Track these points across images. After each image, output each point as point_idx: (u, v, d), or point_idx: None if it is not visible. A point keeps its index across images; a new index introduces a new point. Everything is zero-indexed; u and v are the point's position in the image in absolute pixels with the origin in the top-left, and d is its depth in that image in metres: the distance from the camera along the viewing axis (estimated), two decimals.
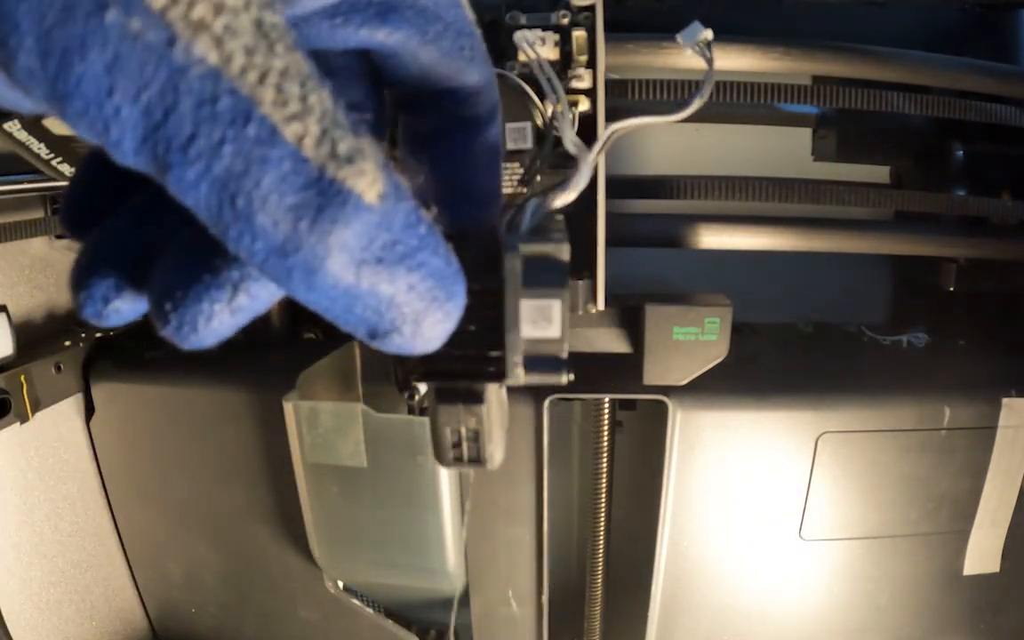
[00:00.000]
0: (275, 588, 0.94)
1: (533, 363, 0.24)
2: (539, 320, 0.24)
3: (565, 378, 0.25)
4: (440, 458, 0.26)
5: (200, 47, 0.12)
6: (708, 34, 0.38)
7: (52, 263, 0.96)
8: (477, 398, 0.25)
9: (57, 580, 0.92)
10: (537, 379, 0.24)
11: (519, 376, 0.24)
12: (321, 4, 0.18)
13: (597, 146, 0.36)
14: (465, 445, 0.26)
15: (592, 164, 0.34)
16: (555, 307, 0.24)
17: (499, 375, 0.24)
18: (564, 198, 0.30)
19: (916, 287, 1.04)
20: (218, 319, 0.18)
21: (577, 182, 0.30)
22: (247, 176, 0.12)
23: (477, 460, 0.26)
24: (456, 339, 0.22)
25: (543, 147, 0.54)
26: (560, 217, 0.27)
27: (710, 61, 0.38)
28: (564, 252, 0.24)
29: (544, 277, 0.24)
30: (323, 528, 0.84)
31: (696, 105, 0.36)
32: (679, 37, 0.39)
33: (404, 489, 0.79)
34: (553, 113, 0.54)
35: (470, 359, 0.24)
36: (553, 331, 0.24)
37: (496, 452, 0.26)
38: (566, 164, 0.56)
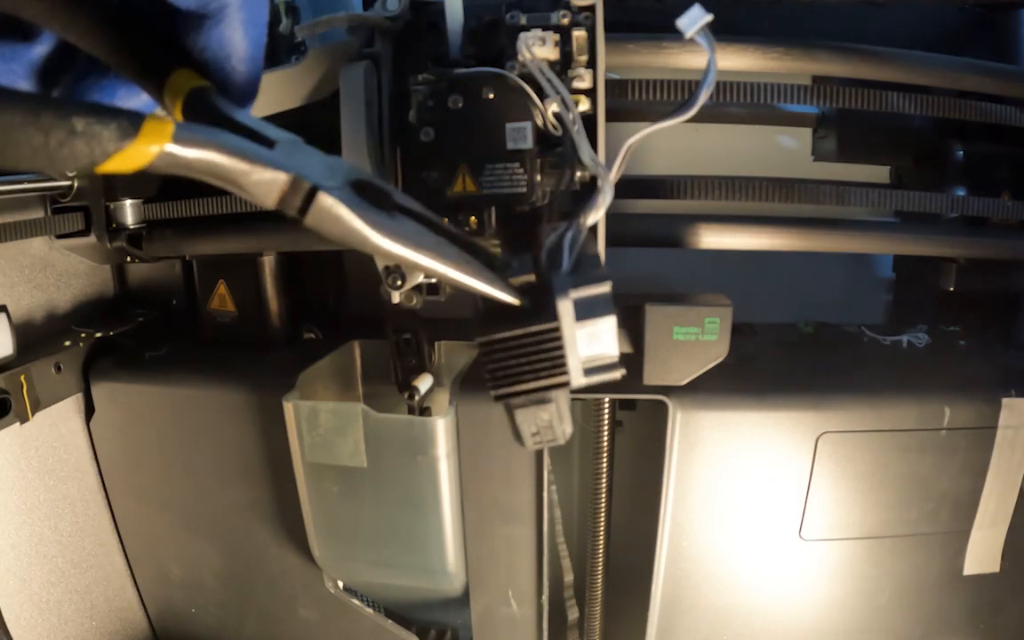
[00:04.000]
0: (275, 588, 0.94)
1: (591, 370, 0.30)
2: (593, 341, 0.29)
3: (619, 373, 0.30)
4: (522, 444, 0.33)
5: None
6: (707, 18, 0.39)
7: (52, 263, 0.96)
8: (548, 399, 0.31)
9: (57, 580, 0.92)
10: (597, 380, 0.30)
11: (582, 382, 0.30)
12: None
13: (617, 163, 0.39)
14: (542, 433, 0.32)
15: (614, 182, 0.38)
16: (605, 330, 0.29)
17: (564, 385, 0.30)
18: (593, 218, 0.35)
19: (916, 287, 1.04)
20: None
21: (603, 202, 0.36)
22: None
23: (553, 440, 0.33)
24: (525, 368, 0.29)
25: (565, 169, 0.55)
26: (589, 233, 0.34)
27: (712, 47, 0.38)
28: (607, 286, 0.30)
29: (593, 308, 0.30)
30: (323, 528, 0.84)
31: (704, 96, 0.37)
32: (679, 22, 0.39)
33: (404, 489, 0.79)
34: (562, 121, 0.54)
35: (539, 378, 0.30)
36: (605, 346, 0.30)
37: (567, 429, 0.33)
38: (562, 164, 0.56)
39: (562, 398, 0.32)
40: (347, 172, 0.23)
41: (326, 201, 0.22)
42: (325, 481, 0.81)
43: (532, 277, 0.31)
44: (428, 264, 0.26)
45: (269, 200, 0.21)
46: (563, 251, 0.31)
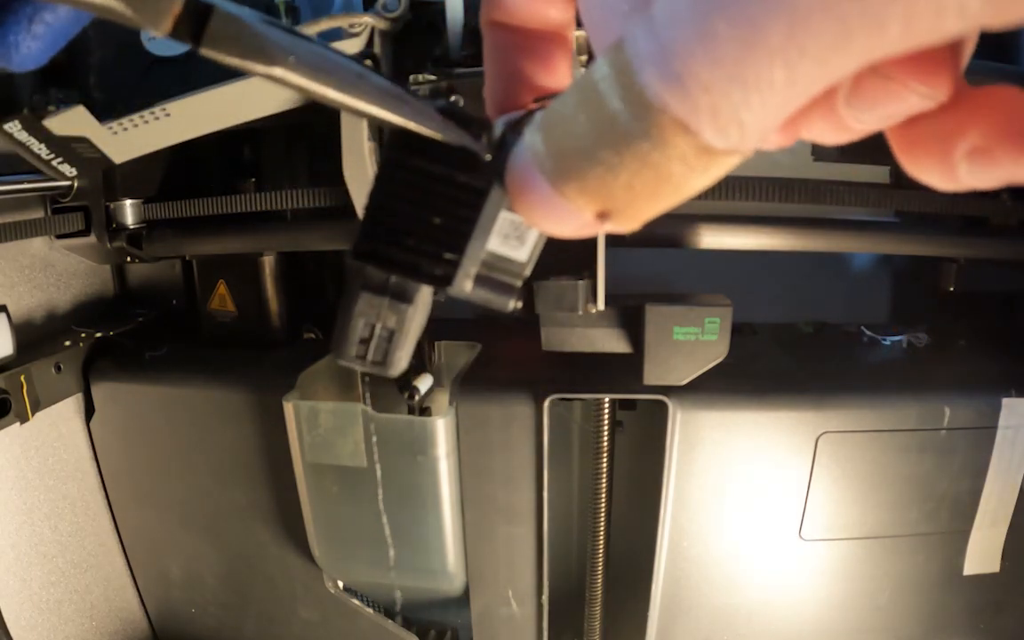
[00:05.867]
0: (275, 588, 0.94)
1: (485, 280, 0.22)
2: (511, 237, 0.22)
3: (512, 305, 0.23)
4: (340, 350, 0.24)
5: None
6: None
7: (52, 263, 0.97)
8: (408, 297, 0.23)
9: (57, 580, 0.92)
10: (482, 297, 0.23)
11: (465, 288, 0.22)
12: None
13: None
14: (374, 343, 0.24)
15: None
16: (534, 230, 0.22)
17: (445, 280, 0.22)
18: None
19: (916, 287, 1.04)
20: (25, 45, 0.23)
21: None
22: None
23: (382, 363, 0.24)
24: (414, 227, 0.21)
25: None
26: None
27: None
28: None
29: None
30: (323, 528, 0.84)
31: None
32: None
33: (404, 489, 0.79)
34: None
35: (422, 254, 0.22)
36: (521, 254, 0.23)
37: (403, 360, 0.24)
38: None
39: (421, 309, 0.24)
40: (253, 13, 0.20)
41: (223, 17, 0.19)
42: (325, 481, 0.81)
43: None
44: (350, 90, 0.20)
45: (163, 24, 0.19)
46: (529, 124, 0.22)
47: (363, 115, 0.20)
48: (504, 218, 0.22)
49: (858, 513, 0.77)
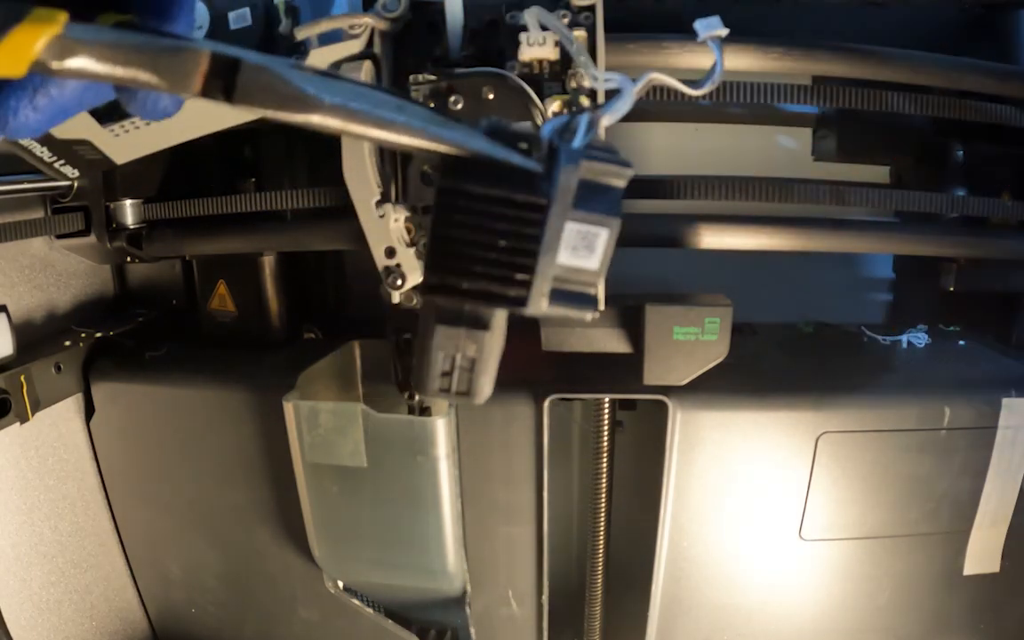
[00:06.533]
0: (275, 588, 0.94)
1: (560, 294, 0.22)
2: (580, 247, 0.22)
3: (591, 315, 0.23)
4: (423, 386, 0.24)
5: None
6: (723, 31, 0.40)
7: (52, 263, 0.97)
8: (484, 324, 0.23)
9: (57, 580, 0.92)
10: (561, 312, 0.22)
11: (542, 306, 0.22)
12: None
13: (640, 83, 0.34)
14: (456, 374, 0.24)
15: (635, 94, 0.32)
16: (602, 236, 0.22)
17: (520, 302, 0.21)
18: (611, 118, 0.27)
19: (916, 287, 1.04)
20: (24, 114, 0.22)
21: (623, 104, 0.28)
22: None
23: (467, 393, 0.24)
24: (481, 254, 0.21)
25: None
26: (606, 142, 0.24)
27: (721, 53, 0.39)
28: (624, 178, 0.22)
29: (598, 201, 0.22)
30: (323, 528, 0.84)
31: (709, 87, 0.37)
32: (697, 24, 0.40)
33: (404, 489, 0.79)
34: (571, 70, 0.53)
35: (493, 279, 0.21)
36: (592, 262, 0.22)
37: (487, 386, 0.24)
38: None
39: (499, 334, 0.23)
40: (280, 59, 0.20)
41: (252, 69, 0.18)
42: (325, 481, 0.81)
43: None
44: (392, 126, 0.19)
45: (192, 85, 0.19)
46: (577, 129, 0.22)
47: (407, 149, 0.20)
48: (570, 229, 0.21)
49: (858, 513, 0.77)
